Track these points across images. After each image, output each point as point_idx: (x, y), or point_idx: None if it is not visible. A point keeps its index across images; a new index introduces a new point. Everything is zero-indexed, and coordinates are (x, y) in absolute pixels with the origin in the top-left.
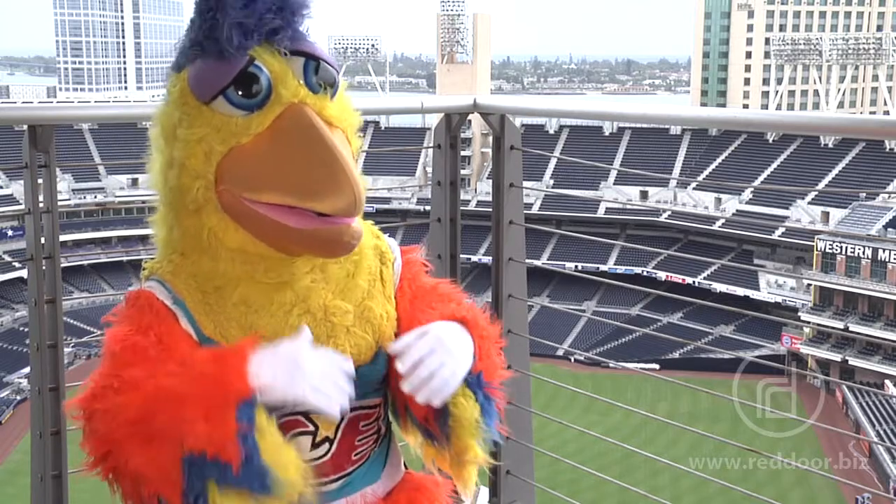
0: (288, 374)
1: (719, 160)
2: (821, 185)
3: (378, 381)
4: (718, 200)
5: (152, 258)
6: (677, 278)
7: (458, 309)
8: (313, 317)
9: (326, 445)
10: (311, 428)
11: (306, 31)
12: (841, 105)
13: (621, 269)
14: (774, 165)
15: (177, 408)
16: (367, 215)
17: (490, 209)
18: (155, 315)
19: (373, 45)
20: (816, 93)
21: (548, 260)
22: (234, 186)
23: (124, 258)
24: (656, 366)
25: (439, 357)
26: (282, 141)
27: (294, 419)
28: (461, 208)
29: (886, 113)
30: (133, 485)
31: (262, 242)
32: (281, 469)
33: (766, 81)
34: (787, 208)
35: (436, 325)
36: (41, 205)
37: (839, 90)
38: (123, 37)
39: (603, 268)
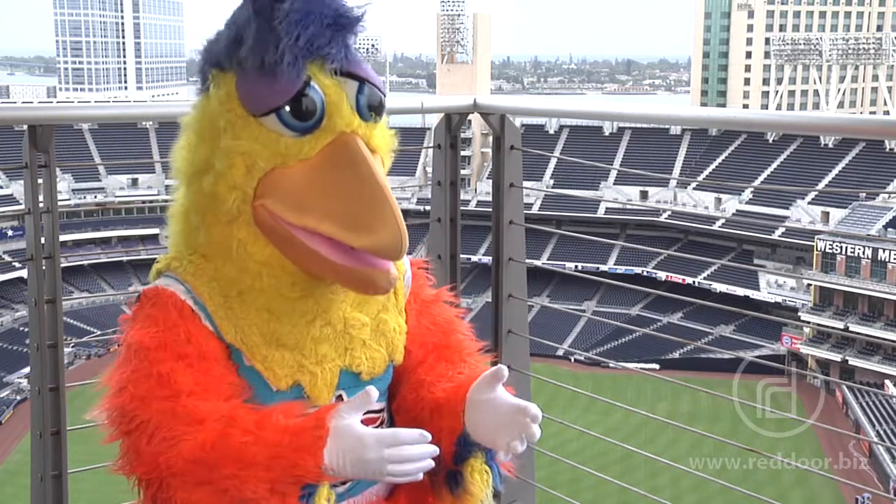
0: (357, 465)
1: (719, 160)
2: (821, 185)
3: (385, 389)
4: (718, 200)
5: (164, 254)
6: (677, 278)
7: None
8: (333, 328)
9: None
10: None
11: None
12: (841, 105)
13: (621, 269)
14: (774, 165)
15: (243, 468)
16: None
17: (490, 209)
18: (179, 313)
19: (373, 45)
20: (816, 93)
21: (548, 260)
22: (275, 206)
23: (124, 258)
24: (656, 366)
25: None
26: (333, 171)
27: None
28: (461, 208)
29: (886, 113)
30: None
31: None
32: None
33: (766, 81)
34: (787, 208)
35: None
36: (41, 205)
37: (839, 90)
38: (123, 37)
39: (603, 268)
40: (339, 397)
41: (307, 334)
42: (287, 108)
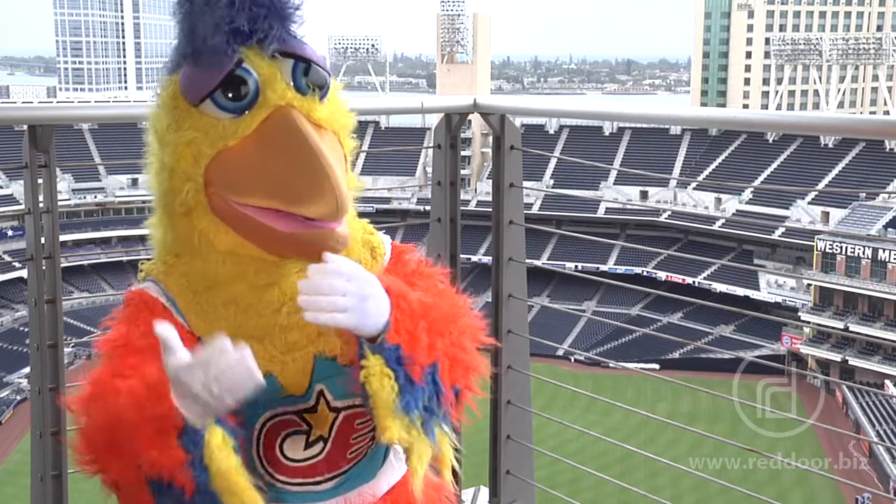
0: (191, 401)
1: (719, 160)
2: (821, 185)
3: None
4: (718, 200)
5: (150, 259)
6: (677, 278)
7: (394, 281)
8: (302, 315)
9: (321, 444)
10: (305, 427)
11: (299, 33)
12: (841, 105)
13: (621, 269)
14: (774, 165)
15: (132, 431)
16: (366, 215)
17: (490, 209)
18: (149, 311)
19: (373, 45)
20: (816, 93)
21: (548, 260)
22: (222, 189)
23: (124, 258)
24: (656, 366)
25: (351, 283)
26: (267, 144)
27: (287, 419)
28: (461, 208)
29: (886, 113)
30: (117, 491)
31: (252, 244)
32: (230, 497)
33: (766, 81)
34: (787, 208)
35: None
36: (41, 205)
37: (839, 90)
38: (123, 37)
39: (603, 268)
40: (321, 392)
41: (275, 323)
42: (220, 91)
